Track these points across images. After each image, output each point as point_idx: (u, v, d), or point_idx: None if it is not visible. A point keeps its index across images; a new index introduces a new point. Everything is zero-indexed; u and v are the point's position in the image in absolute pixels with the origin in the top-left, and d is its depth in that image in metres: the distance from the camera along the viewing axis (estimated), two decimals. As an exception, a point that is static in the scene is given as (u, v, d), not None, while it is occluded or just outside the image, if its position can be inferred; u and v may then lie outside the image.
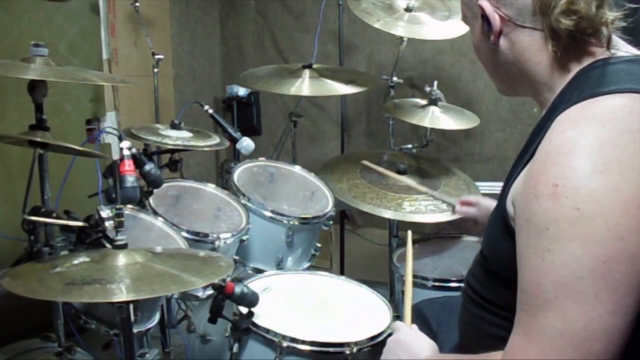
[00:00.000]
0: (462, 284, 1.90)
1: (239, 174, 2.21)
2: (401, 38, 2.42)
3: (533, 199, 0.84)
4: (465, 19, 1.08)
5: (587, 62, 0.95)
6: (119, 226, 1.24)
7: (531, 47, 0.97)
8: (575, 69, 0.95)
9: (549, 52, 0.96)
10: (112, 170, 1.38)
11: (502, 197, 0.97)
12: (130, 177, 1.33)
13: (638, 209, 0.79)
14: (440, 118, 2.36)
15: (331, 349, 1.47)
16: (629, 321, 0.80)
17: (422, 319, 1.52)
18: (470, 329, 1.12)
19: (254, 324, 1.49)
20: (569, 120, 0.87)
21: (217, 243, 1.86)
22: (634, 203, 0.79)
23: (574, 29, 0.92)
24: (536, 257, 0.83)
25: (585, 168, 0.81)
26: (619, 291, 0.79)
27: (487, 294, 1.06)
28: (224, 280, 1.44)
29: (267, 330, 1.48)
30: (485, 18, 0.99)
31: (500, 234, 0.96)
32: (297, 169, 2.38)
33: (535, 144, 0.90)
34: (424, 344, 1.19)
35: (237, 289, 1.46)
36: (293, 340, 1.45)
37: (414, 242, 2.22)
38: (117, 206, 1.26)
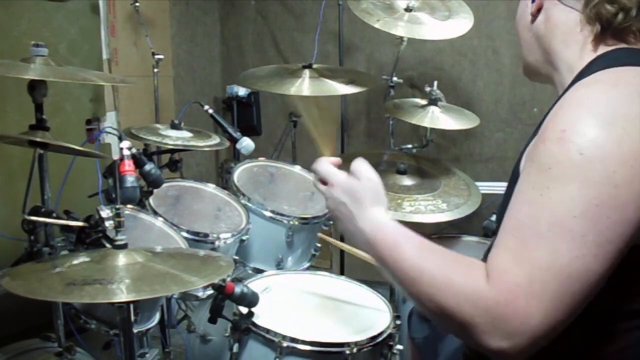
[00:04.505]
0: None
1: (239, 174, 2.21)
2: (401, 38, 2.42)
3: (540, 142, 0.90)
4: None
5: (610, 49, 1.00)
6: (119, 226, 1.24)
7: (564, 25, 1.03)
8: (598, 53, 1.00)
9: (578, 34, 1.02)
10: (112, 170, 1.38)
11: (515, 167, 1.01)
12: (130, 177, 1.34)
13: (635, 162, 0.84)
14: (440, 118, 2.36)
15: (331, 349, 1.47)
16: (606, 270, 0.85)
17: (426, 318, 1.52)
18: None
19: (254, 324, 1.49)
20: (583, 83, 0.94)
21: (217, 243, 1.86)
22: (633, 156, 0.84)
23: (612, 19, 0.98)
24: (535, 191, 0.88)
25: (592, 119, 0.87)
26: (603, 236, 0.84)
27: None
28: (224, 280, 1.44)
29: (267, 330, 1.48)
30: None
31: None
32: (297, 169, 2.38)
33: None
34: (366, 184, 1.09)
35: (237, 289, 1.46)
36: (293, 340, 1.45)
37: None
38: (117, 206, 1.26)
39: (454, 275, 0.90)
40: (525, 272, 0.85)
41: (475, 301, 0.86)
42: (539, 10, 1.06)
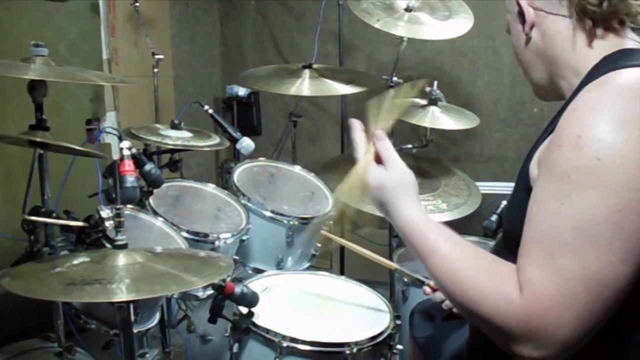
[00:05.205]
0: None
1: (239, 174, 2.21)
2: (401, 38, 2.42)
3: (556, 148, 0.90)
4: (509, 25, 1.15)
5: (613, 49, 1.00)
6: (119, 226, 1.24)
7: (560, 33, 1.04)
8: (602, 54, 1.00)
9: (574, 36, 1.03)
10: (112, 170, 1.38)
11: (523, 167, 1.01)
12: (130, 177, 1.33)
13: None
14: (440, 118, 2.36)
15: (331, 349, 1.47)
16: (636, 272, 0.85)
17: (429, 317, 1.54)
18: None
19: (254, 324, 1.49)
20: (595, 84, 0.94)
21: (217, 243, 1.86)
22: None
23: (598, 9, 0.99)
24: (556, 201, 0.88)
25: (607, 122, 0.86)
26: (630, 240, 0.84)
27: None
28: (224, 280, 1.44)
29: (267, 330, 1.48)
30: (520, 13, 1.08)
31: (521, 201, 0.98)
32: (297, 169, 2.38)
33: (558, 119, 0.95)
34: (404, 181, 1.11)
35: (237, 289, 1.46)
36: (293, 340, 1.45)
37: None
38: (117, 206, 1.26)
39: (488, 286, 0.91)
40: (555, 283, 0.86)
41: (508, 314, 0.88)
42: (531, 28, 1.07)
